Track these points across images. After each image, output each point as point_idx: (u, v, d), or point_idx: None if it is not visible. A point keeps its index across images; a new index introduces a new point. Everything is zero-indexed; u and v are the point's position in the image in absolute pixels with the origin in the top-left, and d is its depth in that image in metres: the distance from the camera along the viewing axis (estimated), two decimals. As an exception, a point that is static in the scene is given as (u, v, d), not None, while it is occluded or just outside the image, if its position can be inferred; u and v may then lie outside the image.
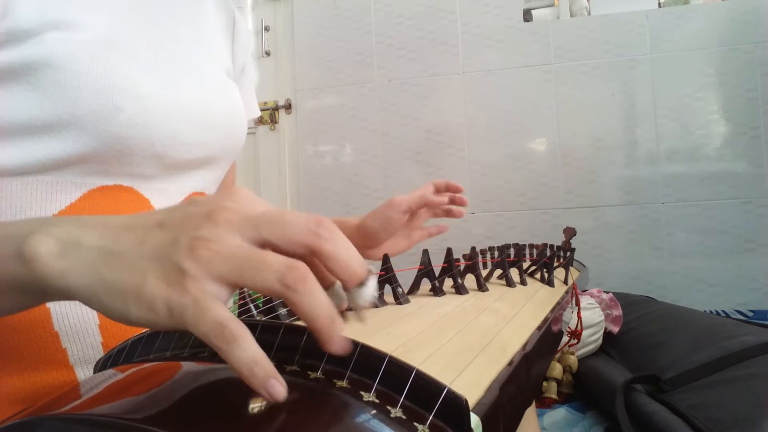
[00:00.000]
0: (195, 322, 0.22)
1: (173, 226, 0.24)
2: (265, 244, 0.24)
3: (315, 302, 0.23)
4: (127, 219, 0.26)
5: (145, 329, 0.30)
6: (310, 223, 0.24)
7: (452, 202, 0.69)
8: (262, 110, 1.78)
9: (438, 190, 0.68)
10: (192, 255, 0.23)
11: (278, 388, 0.21)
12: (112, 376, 0.25)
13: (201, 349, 0.27)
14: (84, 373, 0.42)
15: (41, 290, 0.25)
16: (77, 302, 0.41)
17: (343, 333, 0.23)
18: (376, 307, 0.37)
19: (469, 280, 0.47)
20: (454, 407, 0.22)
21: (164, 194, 0.48)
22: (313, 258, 0.25)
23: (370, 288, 0.25)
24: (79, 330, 0.41)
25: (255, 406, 0.21)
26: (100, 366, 0.32)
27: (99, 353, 0.42)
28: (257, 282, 0.23)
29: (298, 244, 0.24)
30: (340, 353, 0.23)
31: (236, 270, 0.23)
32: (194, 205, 0.25)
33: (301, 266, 0.23)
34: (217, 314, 0.22)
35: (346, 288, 0.25)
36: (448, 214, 0.71)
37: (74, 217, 0.27)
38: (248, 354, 0.21)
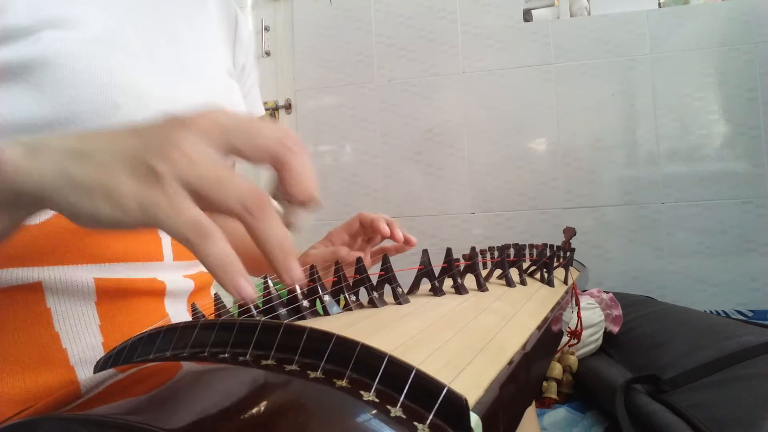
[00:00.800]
0: (170, 220, 0.23)
1: (147, 132, 0.25)
2: (234, 151, 0.25)
3: (273, 231, 0.23)
4: (99, 129, 0.26)
5: (145, 335, 0.30)
6: (280, 134, 0.25)
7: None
8: (262, 110, 1.78)
9: (363, 226, 0.61)
10: (164, 156, 0.23)
11: (247, 288, 0.22)
12: (113, 376, 0.25)
13: (201, 349, 0.27)
14: (84, 373, 0.42)
15: (14, 199, 0.25)
16: (77, 302, 0.41)
17: (293, 262, 0.24)
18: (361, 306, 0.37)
19: (469, 280, 0.48)
20: (454, 406, 0.22)
21: None
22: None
23: (308, 217, 0.26)
24: (79, 330, 0.41)
25: (255, 406, 0.21)
26: (100, 366, 0.32)
27: (99, 353, 0.42)
28: (220, 197, 0.23)
29: (266, 152, 0.25)
30: (296, 283, 0.24)
31: (203, 179, 0.23)
32: (168, 116, 0.26)
33: (264, 194, 0.24)
34: (193, 212, 0.23)
35: (290, 201, 0.26)
36: (399, 244, 0.61)
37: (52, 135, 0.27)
38: (221, 249, 0.22)
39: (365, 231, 0.61)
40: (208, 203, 0.24)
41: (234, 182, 0.23)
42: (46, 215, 0.41)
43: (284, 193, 0.25)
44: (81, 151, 0.24)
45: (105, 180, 0.23)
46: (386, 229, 0.58)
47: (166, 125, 0.25)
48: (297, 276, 0.24)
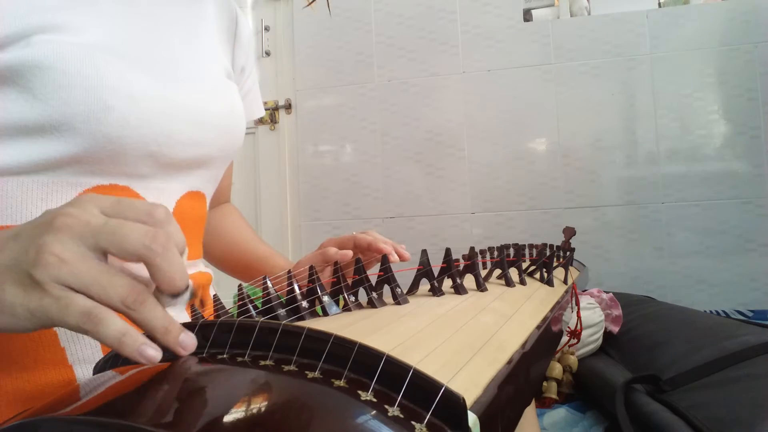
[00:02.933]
0: (62, 317, 0.25)
1: (24, 236, 0.27)
2: (104, 252, 0.26)
3: (154, 319, 0.26)
4: None
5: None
6: (145, 238, 0.26)
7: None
8: (262, 110, 1.78)
9: (360, 250, 0.58)
10: (39, 263, 0.25)
11: (150, 351, 0.25)
12: (112, 377, 0.25)
13: (199, 350, 0.27)
14: (83, 372, 0.42)
15: None
16: None
17: (182, 336, 0.26)
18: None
19: (468, 280, 0.48)
20: (452, 406, 0.22)
21: (161, 193, 0.48)
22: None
23: (181, 300, 0.28)
24: (78, 330, 0.41)
25: (254, 406, 0.21)
26: (99, 367, 0.32)
27: (97, 352, 0.42)
28: (99, 296, 0.25)
29: (134, 255, 0.26)
30: (188, 352, 0.26)
31: (79, 278, 0.25)
32: (44, 215, 0.27)
33: (141, 288, 0.26)
34: (82, 305, 0.25)
35: (161, 293, 0.28)
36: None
37: None
38: (115, 328, 0.25)
39: (362, 253, 0.59)
40: (95, 299, 0.25)
41: (111, 281, 0.26)
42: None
43: (156, 287, 0.27)
44: None
45: None
46: (389, 250, 0.56)
47: (40, 228, 0.26)
48: (188, 344, 0.27)
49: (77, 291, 0.25)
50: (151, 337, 0.26)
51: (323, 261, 0.58)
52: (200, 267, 0.57)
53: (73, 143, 0.40)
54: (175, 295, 0.27)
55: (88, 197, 0.28)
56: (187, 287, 0.27)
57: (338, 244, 0.59)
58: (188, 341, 0.27)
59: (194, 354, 0.27)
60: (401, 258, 0.57)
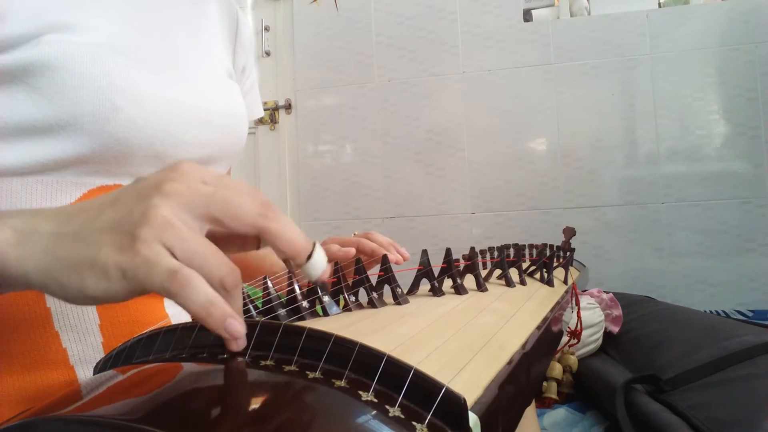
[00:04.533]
0: (148, 277, 0.23)
1: (127, 200, 0.25)
2: (216, 223, 0.25)
3: (239, 303, 0.25)
4: (83, 203, 0.27)
5: (140, 341, 0.30)
6: (257, 205, 0.25)
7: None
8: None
9: (365, 254, 0.58)
10: (146, 222, 0.24)
11: (236, 325, 0.23)
12: (113, 377, 0.25)
13: (200, 350, 0.27)
14: (84, 373, 0.42)
15: (2, 280, 0.26)
16: None
17: (230, 322, 0.24)
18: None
19: (469, 280, 0.48)
20: (453, 406, 0.22)
21: None
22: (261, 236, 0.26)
23: (319, 259, 0.26)
24: (79, 330, 0.41)
25: (254, 406, 0.21)
26: (100, 367, 0.32)
27: (99, 353, 0.42)
28: (204, 271, 0.24)
29: (247, 224, 0.25)
30: (235, 338, 0.25)
31: (184, 247, 0.24)
32: (145, 179, 0.26)
33: (239, 273, 0.25)
34: (168, 263, 0.23)
35: (297, 264, 0.26)
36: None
37: (33, 210, 0.28)
38: (203, 295, 0.23)
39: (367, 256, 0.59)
40: (193, 267, 0.24)
41: (216, 256, 0.24)
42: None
43: (278, 255, 0.26)
44: (67, 233, 0.25)
45: (90, 254, 0.24)
46: (396, 257, 0.55)
47: (146, 191, 0.25)
48: (232, 333, 0.25)
49: (177, 256, 0.24)
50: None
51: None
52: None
53: (80, 143, 0.40)
54: (306, 260, 0.25)
55: (192, 165, 0.26)
56: (314, 247, 0.26)
57: (341, 243, 0.59)
58: (237, 329, 0.25)
59: (194, 354, 0.27)
60: (406, 259, 0.57)
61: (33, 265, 0.25)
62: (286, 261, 0.27)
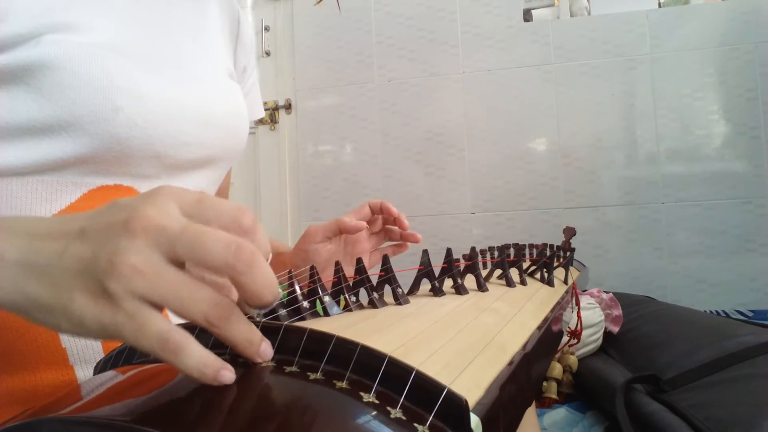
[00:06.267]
0: (136, 338, 0.22)
1: (93, 237, 0.24)
2: (180, 263, 0.24)
3: (239, 334, 0.24)
4: (53, 225, 0.26)
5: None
6: (228, 253, 0.23)
7: (395, 227, 0.64)
8: (262, 110, 1.78)
9: (373, 212, 0.62)
10: (114, 273, 0.22)
11: (227, 375, 0.22)
12: (113, 377, 0.25)
13: (201, 349, 0.27)
14: (83, 372, 0.42)
15: None
16: None
17: (263, 347, 0.25)
18: (373, 307, 0.37)
19: (469, 281, 0.47)
20: (454, 407, 0.22)
21: None
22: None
23: (268, 308, 0.26)
24: (79, 330, 0.41)
25: (255, 407, 0.21)
26: (100, 367, 0.32)
27: (98, 353, 0.42)
28: (183, 313, 0.23)
29: (215, 270, 0.23)
30: (266, 358, 0.25)
31: (159, 293, 0.23)
32: (114, 210, 0.25)
33: (225, 303, 0.23)
34: (158, 328, 0.22)
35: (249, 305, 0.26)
36: (403, 237, 0.64)
37: (7, 224, 0.26)
38: (195, 360, 0.22)
39: (375, 216, 0.63)
40: (173, 312, 0.23)
41: (192, 295, 0.23)
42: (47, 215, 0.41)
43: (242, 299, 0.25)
44: (34, 265, 0.24)
45: (61, 301, 0.23)
46: (396, 212, 0.61)
47: (112, 228, 0.24)
48: (267, 354, 0.25)
49: (155, 303, 0.23)
50: (234, 349, 0.24)
51: (337, 229, 0.60)
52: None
53: (80, 144, 0.40)
54: (261, 308, 0.25)
55: (168, 192, 0.25)
56: (275, 303, 0.25)
57: (353, 215, 0.61)
58: (268, 351, 0.25)
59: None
60: (403, 227, 0.62)
61: (2, 295, 0.24)
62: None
